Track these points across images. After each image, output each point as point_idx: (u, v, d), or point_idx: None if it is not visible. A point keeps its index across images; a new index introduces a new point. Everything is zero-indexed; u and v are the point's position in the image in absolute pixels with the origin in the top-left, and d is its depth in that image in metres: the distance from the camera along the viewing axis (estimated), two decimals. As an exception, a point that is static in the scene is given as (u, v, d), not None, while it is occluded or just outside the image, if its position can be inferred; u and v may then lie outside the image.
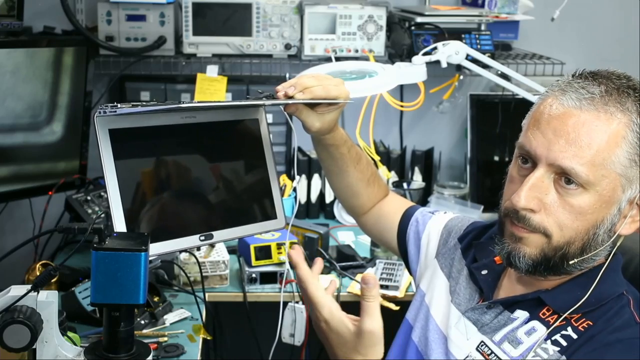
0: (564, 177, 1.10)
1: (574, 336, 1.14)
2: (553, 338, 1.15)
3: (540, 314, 1.18)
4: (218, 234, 1.26)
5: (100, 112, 1.12)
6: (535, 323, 1.18)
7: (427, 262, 1.45)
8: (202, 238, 1.25)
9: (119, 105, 1.12)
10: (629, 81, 1.13)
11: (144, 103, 1.16)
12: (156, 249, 1.18)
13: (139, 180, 1.21)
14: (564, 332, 1.15)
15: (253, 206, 1.33)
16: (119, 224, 1.14)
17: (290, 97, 1.30)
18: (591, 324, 1.14)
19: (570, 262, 1.14)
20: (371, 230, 1.63)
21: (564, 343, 1.14)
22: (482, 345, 1.22)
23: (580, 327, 1.14)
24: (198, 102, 1.42)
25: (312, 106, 1.34)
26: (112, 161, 1.16)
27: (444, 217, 1.50)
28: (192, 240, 1.24)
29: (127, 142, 1.18)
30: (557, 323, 1.15)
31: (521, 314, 1.20)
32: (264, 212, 1.33)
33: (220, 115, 1.30)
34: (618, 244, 1.16)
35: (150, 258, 1.18)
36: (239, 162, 1.33)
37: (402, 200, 1.61)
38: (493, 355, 1.19)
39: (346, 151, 1.46)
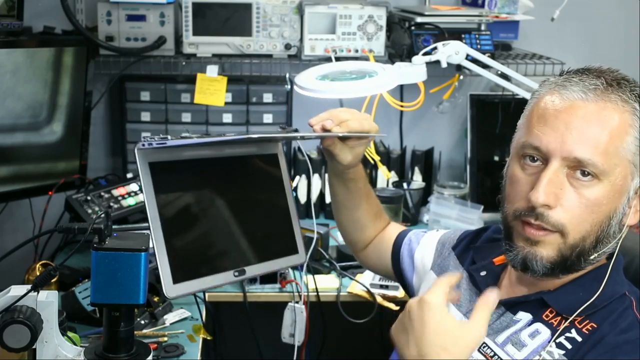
0: (578, 169, 1.10)
1: (579, 339, 1.13)
2: (558, 341, 1.14)
3: (544, 316, 1.17)
4: (250, 269, 1.27)
5: (144, 145, 1.10)
6: (538, 325, 1.17)
7: (423, 274, 1.46)
8: (236, 274, 1.25)
9: (169, 137, 1.11)
10: (619, 73, 1.16)
11: (187, 136, 1.16)
12: (192, 286, 1.18)
13: (178, 214, 1.19)
14: (568, 335, 1.14)
15: (277, 241, 1.34)
16: (164, 264, 1.14)
17: (327, 130, 1.31)
18: (595, 326, 1.13)
19: (590, 258, 1.14)
20: (370, 261, 1.62)
21: (569, 346, 1.13)
22: (484, 347, 1.21)
23: (584, 330, 1.14)
24: (238, 134, 1.38)
25: (344, 139, 1.35)
26: (153, 194, 1.15)
27: (437, 233, 1.52)
28: (227, 277, 1.24)
29: (166, 175, 1.17)
30: (562, 326, 1.15)
31: (524, 316, 1.19)
32: (287, 247, 1.35)
33: (243, 149, 1.30)
34: (623, 235, 1.17)
35: (186, 294, 1.18)
36: (264, 197, 1.34)
37: (398, 227, 1.62)
38: (496, 357, 1.18)
39: (362, 185, 1.49)
